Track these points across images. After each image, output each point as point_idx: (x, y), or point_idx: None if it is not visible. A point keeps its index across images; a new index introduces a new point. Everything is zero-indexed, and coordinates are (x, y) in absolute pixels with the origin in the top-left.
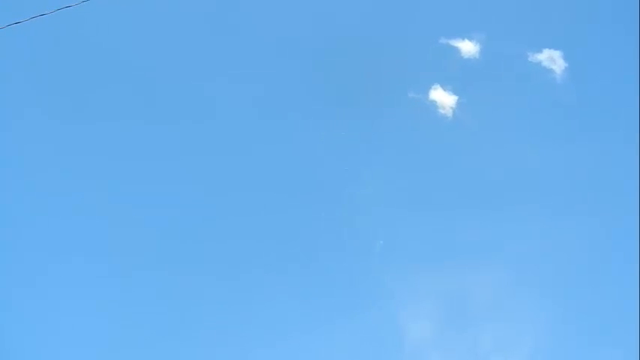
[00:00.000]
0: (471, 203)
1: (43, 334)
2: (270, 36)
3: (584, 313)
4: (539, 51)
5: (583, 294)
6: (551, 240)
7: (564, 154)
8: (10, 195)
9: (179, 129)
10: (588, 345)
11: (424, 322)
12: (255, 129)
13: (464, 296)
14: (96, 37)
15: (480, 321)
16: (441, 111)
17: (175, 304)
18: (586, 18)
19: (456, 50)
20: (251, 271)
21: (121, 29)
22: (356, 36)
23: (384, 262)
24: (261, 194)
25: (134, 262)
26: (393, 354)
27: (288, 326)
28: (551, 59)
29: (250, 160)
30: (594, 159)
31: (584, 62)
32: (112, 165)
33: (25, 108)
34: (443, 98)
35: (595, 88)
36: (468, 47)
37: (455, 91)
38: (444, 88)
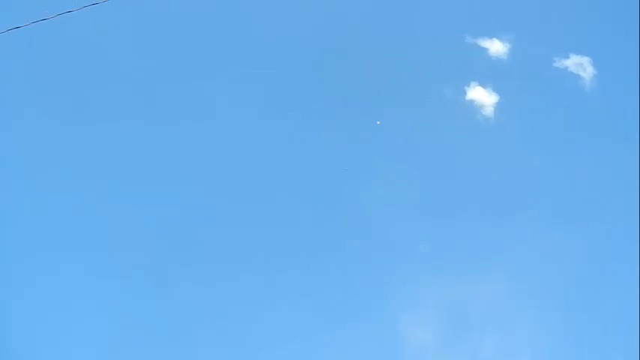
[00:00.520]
0: (478, 209)
1: (42, 335)
2: (283, 36)
3: (585, 322)
4: (567, 56)
5: (584, 302)
6: (555, 248)
7: (581, 162)
8: (10, 195)
9: (179, 129)
10: (589, 353)
11: (425, 328)
12: (273, 129)
13: (465, 303)
14: (96, 39)
15: (481, 328)
16: (480, 111)
17: (175, 306)
18: (616, 26)
19: (483, 50)
20: (250, 273)
21: (121, 29)
22: (384, 35)
23: (387, 269)
24: (263, 196)
25: (134, 263)
26: None
27: (287, 331)
28: (579, 65)
29: (256, 160)
30: (617, 169)
31: (612, 70)
32: (112, 166)
33: (26, 109)
34: (481, 97)
35: (619, 95)
36: (496, 47)
37: (488, 91)
38: (480, 86)
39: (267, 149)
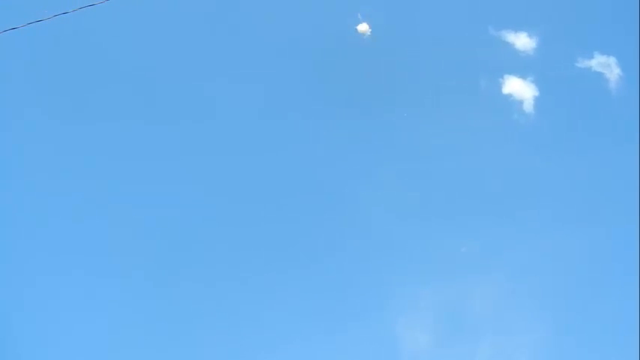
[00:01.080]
0: (478, 209)
1: (42, 335)
2: (292, 34)
3: (585, 324)
4: (591, 55)
5: (584, 305)
6: (555, 249)
7: (597, 164)
8: (10, 196)
9: (179, 130)
10: (588, 355)
11: (423, 330)
12: (279, 130)
13: (464, 305)
14: (95, 39)
15: (480, 330)
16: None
17: (173, 308)
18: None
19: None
20: (247, 274)
21: (121, 30)
22: (408, 27)
23: (382, 271)
24: (261, 196)
25: (132, 264)
26: None
27: (285, 333)
28: (605, 65)
29: (255, 160)
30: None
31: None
32: (112, 166)
33: (26, 109)
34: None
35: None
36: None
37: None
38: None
39: (267, 149)
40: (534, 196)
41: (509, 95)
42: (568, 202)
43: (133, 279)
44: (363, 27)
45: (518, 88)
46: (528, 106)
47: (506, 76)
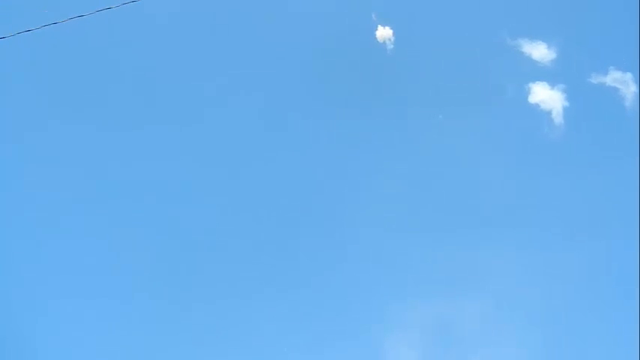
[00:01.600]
0: (471, 224)
1: (42, 335)
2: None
3: (575, 340)
4: (607, 71)
5: (576, 322)
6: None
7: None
8: (10, 196)
9: (179, 131)
10: None
11: (411, 348)
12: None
13: (454, 323)
14: (94, 40)
15: (468, 347)
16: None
17: (164, 327)
18: None
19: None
20: (237, 293)
21: (121, 31)
22: (430, 34)
23: (373, 286)
24: (254, 215)
25: (131, 264)
26: None
27: (271, 350)
28: (621, 81)
29: (263, 165)
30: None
31: None
32: (112, 167)
33: (27, 110)
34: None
35: None
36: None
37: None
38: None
39: (265, 157)
40: (534, 210)
41: (534, 104)
42: (567, 218)
43: (131, 279)
44: (384, 33)
45: (542, 96)
46: (542, 119)
47: (530, 85)
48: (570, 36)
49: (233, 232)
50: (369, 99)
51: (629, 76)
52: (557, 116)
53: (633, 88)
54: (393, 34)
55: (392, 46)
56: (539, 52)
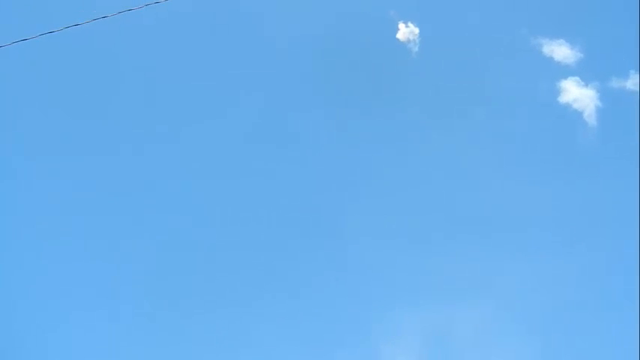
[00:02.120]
0: (467, 234)
1: (42, 336)
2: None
3: (575, 350)
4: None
5: (573, 331)
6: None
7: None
8: (10, 198)
9: (180, 132)
10: None
11: (411, 355)
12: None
13: (451, 333)
14: (95, 41)
15: (467, 357)
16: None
17: (164, 329)
18: None
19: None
20: (232, 303)
21: (121, 31)
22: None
23: (371, 295)
24: (248, 224)
25: (130, 264)
26: None
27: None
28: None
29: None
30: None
31: None
32: (112, 167)
33: (28, 110)
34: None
35: None
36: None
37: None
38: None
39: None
40: (535, 219)
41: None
42: (566, 228)
43: (131, 280)
44: (405, 33)
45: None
46: (573, 120)
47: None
48: (593, 37)
49: (233, 233)
50: (390, 99)
51: None
52: (590, 117)
53: None
54: (419, 33)
55: (415, 47)
56: (562, 52)
